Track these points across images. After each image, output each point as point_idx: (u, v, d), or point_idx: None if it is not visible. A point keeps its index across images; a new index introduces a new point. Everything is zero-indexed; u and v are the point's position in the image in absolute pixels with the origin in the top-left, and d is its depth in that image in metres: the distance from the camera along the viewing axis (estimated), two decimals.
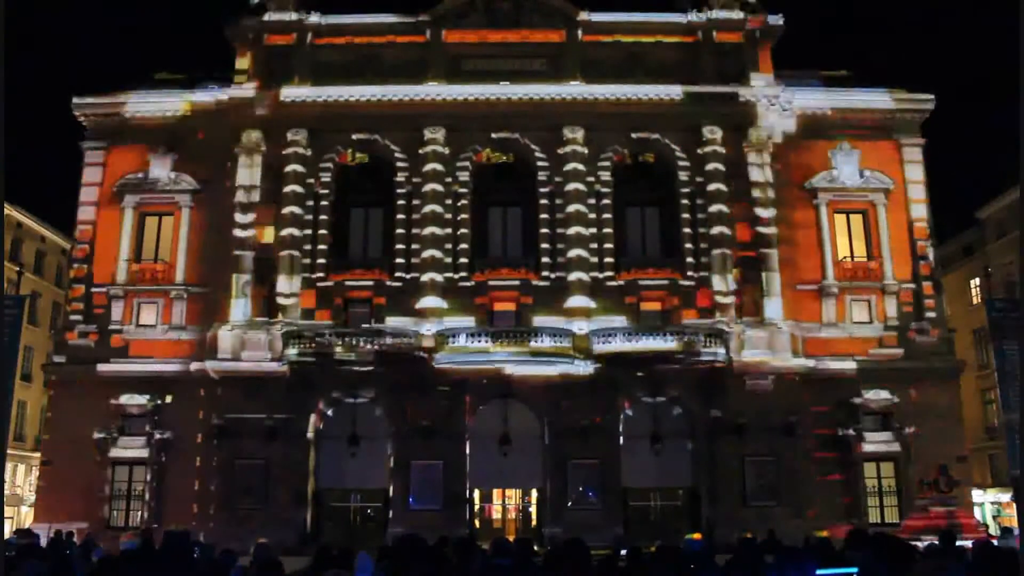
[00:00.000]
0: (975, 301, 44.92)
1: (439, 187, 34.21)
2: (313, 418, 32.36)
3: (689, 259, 34.02)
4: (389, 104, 34.98)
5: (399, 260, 34.08)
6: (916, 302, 34.54)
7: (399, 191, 34.72)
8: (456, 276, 33.76)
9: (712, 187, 34.16)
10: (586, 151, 34.55)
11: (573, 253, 33.50)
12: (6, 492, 41.32)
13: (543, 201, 34.55)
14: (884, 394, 33.10)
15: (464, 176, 34.77)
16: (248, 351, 32.21)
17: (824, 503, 31.86)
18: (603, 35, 36.11)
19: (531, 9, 35.99)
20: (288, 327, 32.36)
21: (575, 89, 34.96)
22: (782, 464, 31.61)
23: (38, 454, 38.37)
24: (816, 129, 35.83)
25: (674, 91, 34.93)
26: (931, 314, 34.45)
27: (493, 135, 35.00)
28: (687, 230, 34.35)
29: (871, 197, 35.43)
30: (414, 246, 33.97)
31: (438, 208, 34.01)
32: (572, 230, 33.73)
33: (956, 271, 46.96)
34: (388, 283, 33.85)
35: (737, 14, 35.87)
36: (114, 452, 32.77)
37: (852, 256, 34.97)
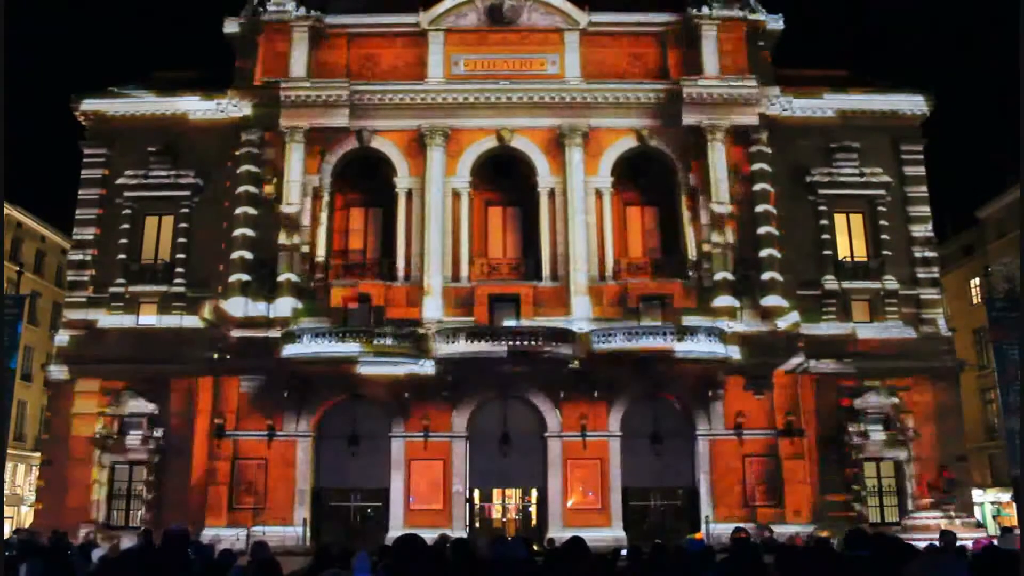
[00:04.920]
0: (975, 301, 44.94)
1: (439, 186, 34.21)
2: (313, 418, 32.36)
3: (689, 259, 34.01)
4: (389, 104, 35.00)
5: (399, 259, 34.08)
6: (916, 302, 34.54)
7: (399, 190, 34.73)
8: (456, 276, 33.76)
9: (712, 187, 34.14)
10: (586, 151, 34.55)
11: (573, 253, 33.50)
12: (6, 492, 41.43)
13: (543, 201, 34.56)
14: (884, 394, 33.11)
15: (464, 175, 34.78)
16: (247, 351, 32.19)
17: (824, 503, 31.92)
18: (603, 34, 36.10)
19: (531, 9, 36.00)
20: (288, 326, 32.34)
21: (575, 89, 34.96)
22: (782, 464, 31.64)
23: (38, 454, 38.40)
24: (816, 128, 35.80)
25: (674, 90, 34.95)
26: (931, 314, 34.46)
27: (493, 135, 35.00)
28: (687, 230, 34.34)
29: (871, 197, 35.43)
30: (414, 245, 33.97)
31: (438, 207, 34.02)
32: (572, 230, 33.74)
33: (956, 271, 46.97)
34: (388, 283, 33.87)
35: (737, 13, 35.85)
36: (113, 452, 32.77)
37: (852, 256, 34.96)
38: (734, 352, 32.01)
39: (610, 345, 31.68)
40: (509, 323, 33.02)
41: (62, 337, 34.44)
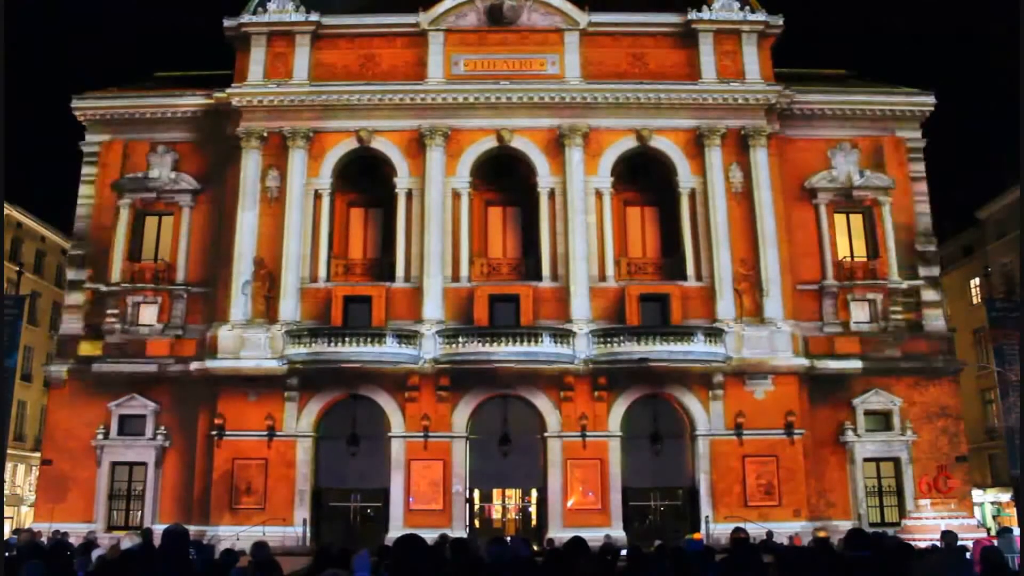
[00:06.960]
0: (975, 301, 44.97)
1: (439, 187, 34.22)
2: (313, 418, 32.37)
3: (689, 259, 34.01)
4: (389, 104, 35.01)
5: (399, 260, 34.07)
6: (916, 302, 34.54)
7: (399, 191, 34.73)
8: (456, 276, 33.76)
9: (712, 187, 34.14)
10: (586, 151, 34.58)
11: (573, 253, 33.50)
12: (6, 492, 41.45)
13: (543, 201, 34.57)
14: (884, 394, 33.14)
15: (464, 175, 34.78)
16: (248, 351, 32.21)
17: (824, 503, 31.93)
18: (603, 35, 36.08)
19: (531, 9, 35.99)
20: (288, 326, 32.36)
21: (575, 89, 34.97)
22: (782, 464, 31.65)
23: (38, 454, 38.39)
24: (816, 128, 35.84)
25: (674, 90, 34.93)
26: (931, 314, 34.45)
27: (493, 135, 35.00)
28: (687, 230, 34.34)
29: (871, 197, 35.39)
30: (414, 246, 33.97)
31: (438, 208, 34.02)
32: (572, 230, 33.74)
33: (956, 271, 46.98)
34: (388, 283, 33.88)
35: (737, 14, 35.85)
36: (113, 452, 32.77)
37: (852, 256, 34.94)
38: (734, 352, 32.05)
39: (610, 347, 31.78)
40: (509, 325, 32.94)
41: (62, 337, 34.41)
